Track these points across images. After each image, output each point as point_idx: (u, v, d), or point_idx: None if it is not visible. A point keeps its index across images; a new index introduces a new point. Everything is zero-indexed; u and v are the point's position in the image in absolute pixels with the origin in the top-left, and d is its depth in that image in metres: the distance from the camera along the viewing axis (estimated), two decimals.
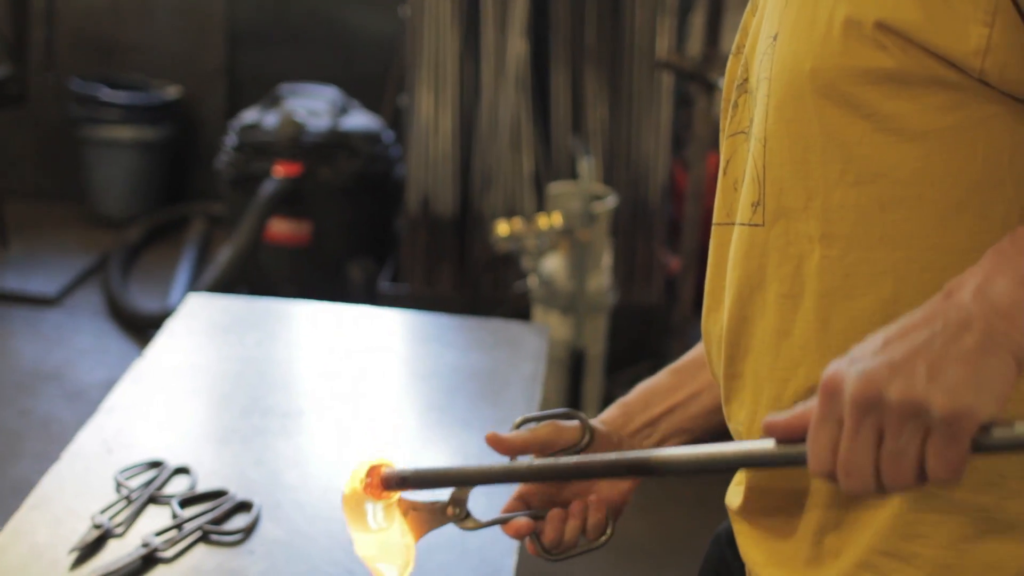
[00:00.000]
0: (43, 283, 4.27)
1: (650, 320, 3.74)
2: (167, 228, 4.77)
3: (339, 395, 1.80)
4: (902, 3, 0.87)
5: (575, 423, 1.17)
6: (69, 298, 4.25)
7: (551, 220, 3.27)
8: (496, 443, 1.15)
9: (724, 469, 0.93)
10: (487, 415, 1.75)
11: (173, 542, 1.37)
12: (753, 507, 1.05)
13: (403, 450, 1.65)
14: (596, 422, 1.21)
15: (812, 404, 0.82)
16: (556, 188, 3.44)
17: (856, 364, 0.79)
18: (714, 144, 3.35)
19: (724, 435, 1.16)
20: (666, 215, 3.84)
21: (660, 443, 1.21)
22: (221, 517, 1.43)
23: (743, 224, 1.00)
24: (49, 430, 3.41)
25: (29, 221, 4.77)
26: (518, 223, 3.33)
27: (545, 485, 1.18)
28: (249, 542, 1.40)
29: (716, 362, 1.10)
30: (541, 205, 3.70)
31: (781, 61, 0.95)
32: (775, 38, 0.96)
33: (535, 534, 1.15)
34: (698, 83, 3.35)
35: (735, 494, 1.08)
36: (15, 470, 3.20)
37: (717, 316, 1.08)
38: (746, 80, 1.04)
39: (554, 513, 1.15)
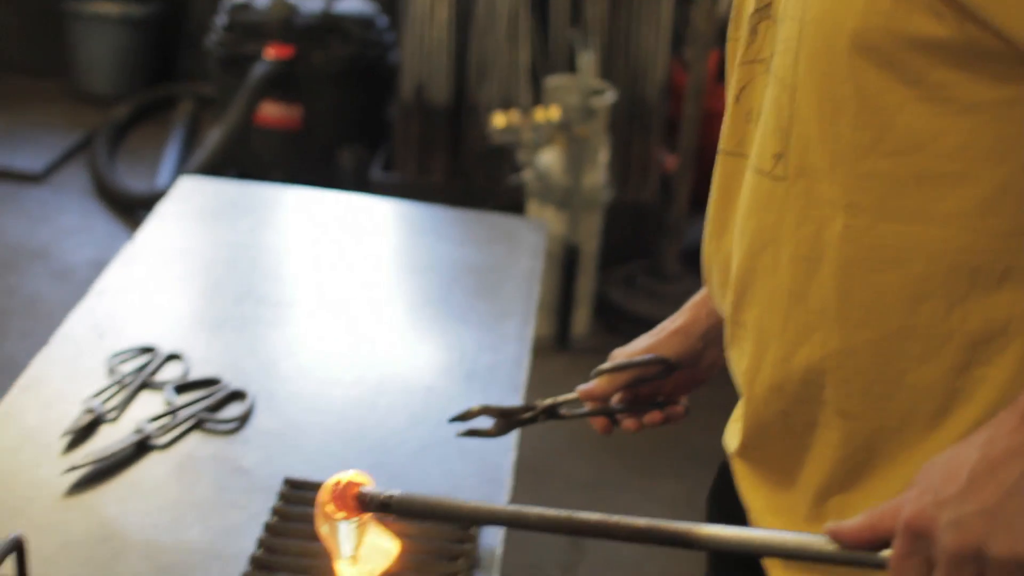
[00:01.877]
0: (28, 159, 4.20)
1: (644, 218, 3.72)
2: (155, 107, 4.68)
3: (333, 286, 1.77)
4: None
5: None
6: (55, 175, 4.18)
7: (548, 114, 3.22)
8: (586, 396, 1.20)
9: (776, 556, 0.91)
10: (483, 310, 1.73)
11: (167, 429, 1.36)
12: (751, 451, 1.03)
13: (399, 345, 1.63)
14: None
15: (877, 515, 0.81)
16: (554, 81, 3.37)
17: (946, 509, 0.76)
18: (715, 42, 3.28)
19: None
20: (664, 113, 3.78)
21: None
22: (215, 405, 1.41)
23: (762, 172, 0.95)
24: (35, 309, 3.38)
25: (13, 96, 4.67)
26: (515, 115, 3.27)
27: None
28: (244, 431, 1.38)
29: (718, 293, 1.07)
30: (537, 98, 3.63)
31: (818, 8, 0.87)
32: None
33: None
34: None
35: (733, 433, 1.05)
36: (1, 349, 3.18)
37: (719, 244, 1.05)
38: (769, 6, 0.96)
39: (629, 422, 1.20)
